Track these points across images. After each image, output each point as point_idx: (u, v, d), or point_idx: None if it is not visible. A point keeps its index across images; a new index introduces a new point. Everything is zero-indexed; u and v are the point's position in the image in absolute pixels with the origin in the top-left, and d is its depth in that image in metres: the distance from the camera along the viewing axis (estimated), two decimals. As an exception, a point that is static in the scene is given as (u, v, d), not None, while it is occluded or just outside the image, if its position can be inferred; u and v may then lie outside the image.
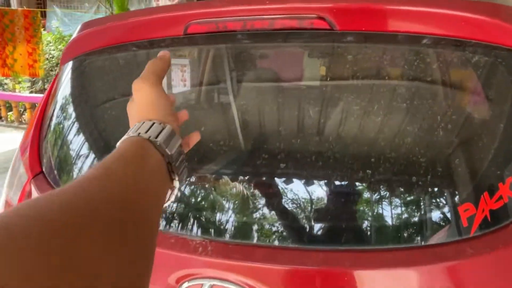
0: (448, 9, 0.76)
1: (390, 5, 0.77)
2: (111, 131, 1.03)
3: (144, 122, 0.42)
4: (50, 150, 1.07)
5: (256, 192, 0.81)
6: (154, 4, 7.25)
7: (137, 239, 0.31)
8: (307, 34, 0.85)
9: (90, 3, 8.93)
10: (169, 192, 0.44)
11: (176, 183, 0.43)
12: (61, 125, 1.08)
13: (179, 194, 0.90)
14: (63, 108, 1.09)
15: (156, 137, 0.40)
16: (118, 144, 0.40)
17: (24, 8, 5.76)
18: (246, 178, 0.85)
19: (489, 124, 0.72)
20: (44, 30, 8.28)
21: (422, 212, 0.71)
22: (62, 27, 8.34)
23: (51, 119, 1.06)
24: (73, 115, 1.09)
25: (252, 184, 0.82)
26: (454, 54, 0.77)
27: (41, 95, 4.41)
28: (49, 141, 1.08)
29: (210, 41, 0.95)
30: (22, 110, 6.54)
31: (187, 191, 0.90)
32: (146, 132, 0.41)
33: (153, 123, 0.42)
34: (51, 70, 7.21)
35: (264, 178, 0.86)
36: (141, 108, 0.45)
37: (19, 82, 7.18)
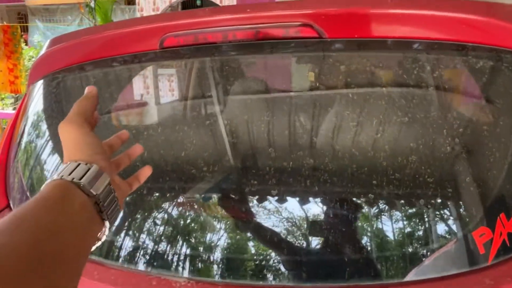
0: (447, 12, 0.70)
1: (384, 9, 0.70)
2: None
3: (69, 164, 0.42)
4: (20, 179, 0.97)
5: (246, 222, 0.73)
6: (138, 14, 7.17)
7: (52, 283, 0.31)
8: (294, 43, 0.78)
9: (73, 16, 8.80)
10: (101, 232, 0.43)
11: (107, 223, 0.42)
12: (30, 153, 0.99)
13: (161, 224, 0.81)
14: (32, 136, 1.00)
15: (81, 178, 0.40)
16: (42, 187, 0.39)
17: (3, 24, 5.62)
18: (235, 205, 0.77)
19: (501, 135, 0.65)
20: (26, 45, 8.12)
21: (432, 240, 0.63)
22: (44, 41, 8.19)
23: (18, 148, 0.97)
24: (44, 141, 1.00)
25: (241, 213, 0.74)
26: (456, 59, 0.70)
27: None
28: (17, 170, 0.98)
29: (190, 54, 0.87)
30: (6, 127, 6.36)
31: (168, 221, 0.81)
32: (70, 174, 0.40)
33: (79, 164, 0.42)
34: (35, 85, 7.04)
35: (254, 206, 0.78)
36: (68, 150, 0.44)
37: (2, 99, 7.00)
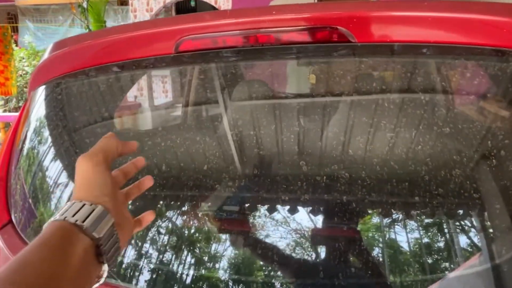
0: (485, 15, 0.66)
1: (420, 11, 0.66)
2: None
3: (74, 203, 0.42)
4: (22, 188, 0.91)
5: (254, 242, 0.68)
6: (131, 15, 7.07)
7: None
8: (320, 47, 0.74)
9: (64, 16, 8.65)
10: (100, 273, 0.42)
11: (105, 266, 0.42)
12: (32, 162, 0.92)
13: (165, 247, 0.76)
14: (34, 144, 0.93)
15: (84, 220, 0.40)
16: (44, 226, 0.39)
17: (-7, 24, 5.49)
18: (243, 224, 0.73)
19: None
20: (16, 46, 7.95)
21: (462, 261, 0.59)
22: (35, 41, 8.04)
23: (19, 159, 0.90)
24: (46, 149, 0.94)
25: (250, 231, 0.70)
26: (497, 65, 0.66)
27: (16, 114, 4.15)
28: (19, 178, 0.92)
29: (206, 59, 0.82)
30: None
31: (173, 240, 0.76)
32: (74, 215, 0.40)
33: (84, 205, 0.42)
34: (25, 87, 6.92)
35: (262, 217, 0.73)
36: (77, 186, 0.44)
37: (-8, 101, 6.85)
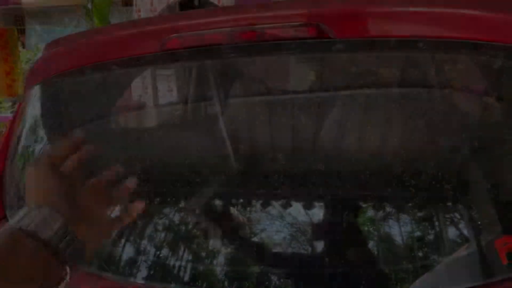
0: (464, 9, 0.67)
1: (400, 7, 0.67)
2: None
3: (22, 210, 0.42)
4: (17, 186, 0.94)
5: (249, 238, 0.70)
6: (135, 16, 7.13)
7: None
8: (303, 44, 0.75)
9: (70, 18, 8.73)
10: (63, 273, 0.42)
11: (66, 266, 0.42)
12: (27, 159, 0.95)
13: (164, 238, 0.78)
14: (29, 142, 0.96)
15: (30, 223, 0.40)
16: None
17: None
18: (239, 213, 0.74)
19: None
20: (24, 48, 8.05)
21: (445, 250, 0.60)
22: (41, 44, 8.13)
23: (14, 156, 0.93)
24: (41, 147, 0.97)
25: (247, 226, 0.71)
26: (475, 58, 0.67)
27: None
28: (14, 177, 0.95)
29: (192, 56, 0.84)
30: (3, 131, 6.33)
31: (170, 232, 0.78)
32: (20, 220, 0.41)
33: (30, 209, 0.42)
34: (32, 88, 7.01)
35: (258, 212, 0.75)
36: (26, 193, 0.46)
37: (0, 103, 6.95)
